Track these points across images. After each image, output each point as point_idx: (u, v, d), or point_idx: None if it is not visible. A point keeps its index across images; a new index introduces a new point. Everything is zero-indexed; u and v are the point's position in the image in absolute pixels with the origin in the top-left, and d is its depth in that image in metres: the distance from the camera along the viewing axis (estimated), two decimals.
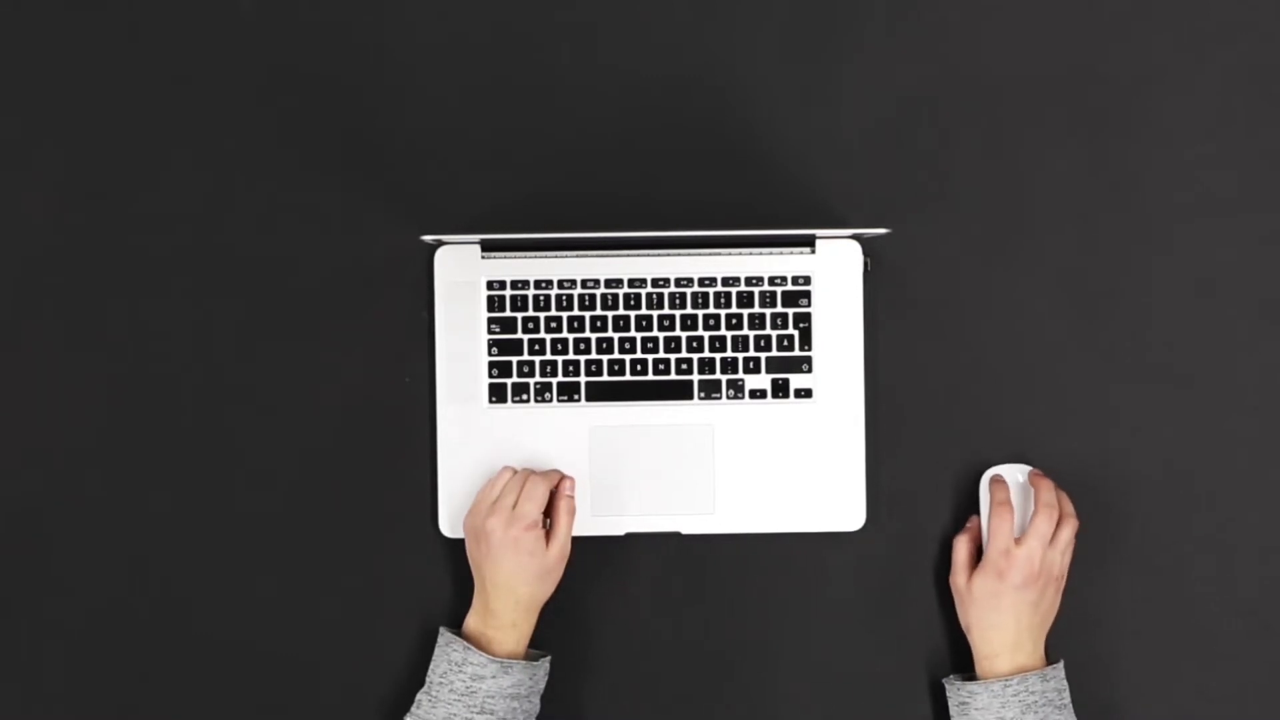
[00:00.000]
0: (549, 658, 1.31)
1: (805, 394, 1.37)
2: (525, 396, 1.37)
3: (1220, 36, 1.40)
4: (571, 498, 1.32)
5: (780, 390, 1.37)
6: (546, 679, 1.31)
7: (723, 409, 1.37)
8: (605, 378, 1.37)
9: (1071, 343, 1.39)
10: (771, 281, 1.37)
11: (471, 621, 1.29)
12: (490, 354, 1.37)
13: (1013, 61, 1.40)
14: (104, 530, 1.38)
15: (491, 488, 1.30)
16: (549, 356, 1.37)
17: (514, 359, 1.37)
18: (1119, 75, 1.40)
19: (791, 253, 1.36)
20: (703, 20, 1.40)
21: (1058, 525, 1.30)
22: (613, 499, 1.37)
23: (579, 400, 1.37)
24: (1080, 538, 1.36)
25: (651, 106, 1.40)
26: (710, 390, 1.37)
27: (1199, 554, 1.38)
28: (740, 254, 1.36)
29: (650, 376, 1.37)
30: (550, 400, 1.37)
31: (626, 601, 1.38)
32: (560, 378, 1.37)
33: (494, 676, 1.25)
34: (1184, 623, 1.38)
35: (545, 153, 1.39)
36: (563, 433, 1.37)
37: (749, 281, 1.37)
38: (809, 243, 1.35)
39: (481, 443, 1.36)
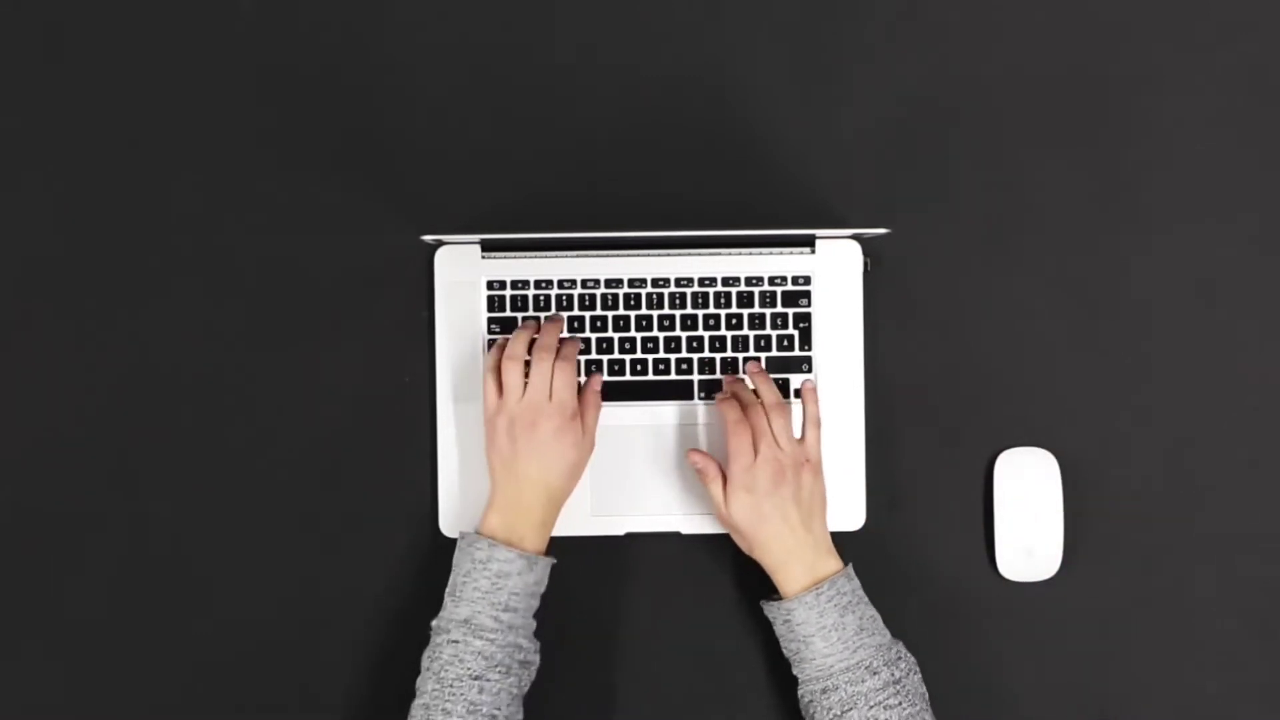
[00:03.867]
0: (552, 549, 1.30)
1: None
2: None
3: (1220, 36, 1.40)
4: (598, 392, 1.32)
5: (780, 390, 1.37)
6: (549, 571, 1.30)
7: None
8: (605, 377, 1.37)
9: (1071, 342, 1.39)
10: (771, 281, 1.37)
11: (494, 521, 1.27)
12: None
13: (1013, 61, 1.40)
14: (104, 530, 1.38)
15: (511, 371, 1.28)
16: None
17: None
18: (1119, 75, 1.40)
19: (791, 253, 1.36)
20: (703, 20, 1.40)
21: (804, 418, 1.31)
22: (613, 499, 1.37)
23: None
24: (1080, 537, 1.36)
25: (652, 106, 1.40)
26: (710, 390, 1.37)
27: (1199, 553, 1.38)
28: (740, 254, 1.36)
29: (650, 376, 1.37)
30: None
31: (626, 601, 1.38)
32: None
33: (519, 574, 1.24)
34: (1184, 623, 1.38)
35: (545, 153, 1.40)
36: None
37: (749, 281, 1.37)
38: (809, 243, 1.35)
39: (482, 442, 1.36)
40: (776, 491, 1.26)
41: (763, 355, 1.37)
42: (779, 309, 1.37)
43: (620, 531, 1.37)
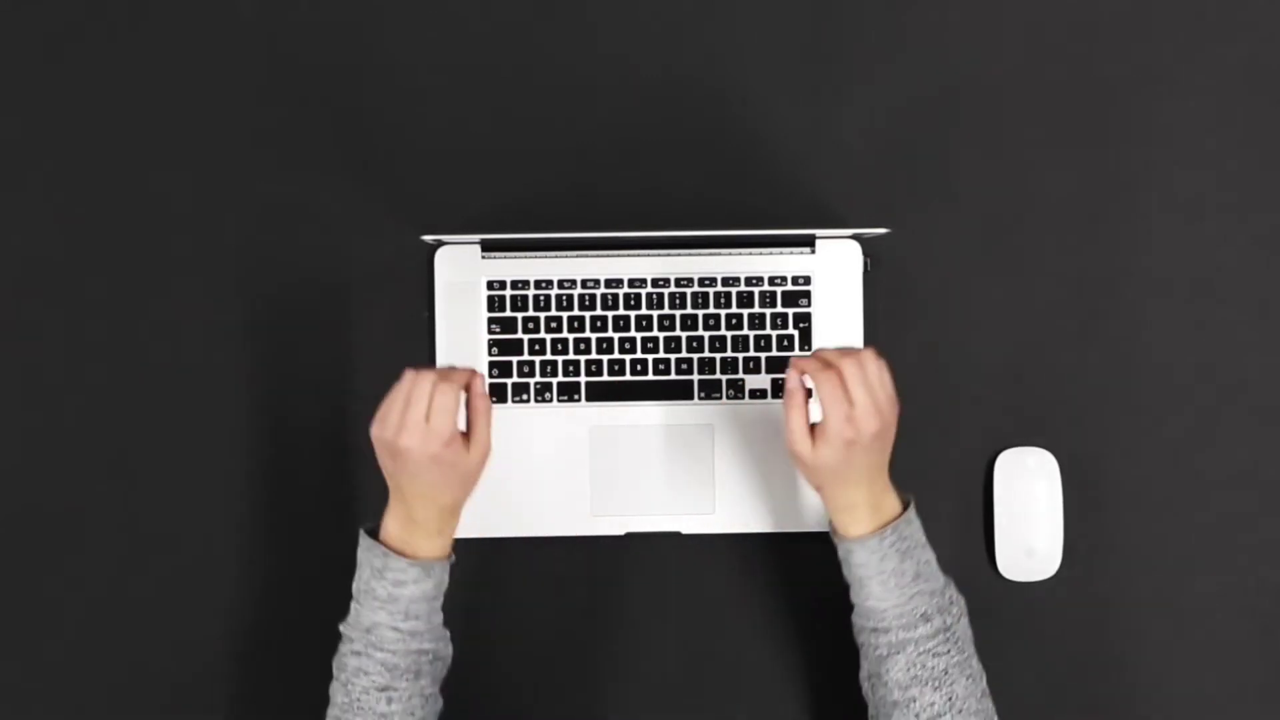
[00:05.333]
0: (453, 545, 1.25)
1: (805, 394, 1.37)
2: (525, 396, 1.37)
3: (1220, 36, 1.40)
4: (485, 395, 1.23)
5: (780, 390, 1.37)
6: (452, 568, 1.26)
7: (723, 409, 1.37)
8: (605, 378, 1.37)
9: (1071, 342, 1.39)
10: (771, 281, 1.37)
11: (392, 527, 1.22)
12: (490, 354, 1.37)
13: (1013, 61, 1.40)
14: (105, 529, 1.38)
15: (396, 396, 1.20)
16: (549, 356, 1.37)
17: (514, 359, 1.37)
18: (1119, 75, 1.40)
19: (791, 253, 1.36)
20: (703, 20, 1.40)
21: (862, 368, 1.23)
22: (613, 499, 1.37)
23: (579, 400, 1.37)
24: (1080, 536, 1.36)
25: (652, 106, 1.40)
26: (710, 390, 1.37)
27: (1199, 554, 1.38)
28: (740, 254, 1.36)
29: (650, 376, 1.37)
30: (550, 400, 1.37)
31: (626, 601, 1.38)
32: (560, 378, 1.37)
33: (415, 582, 1.21)
34: (1184, 623, 1.38)
35: (545, 153, 1.40)
36: (563, 433, 1.37)
37: (749, 281, 1.37)
38: (809, 243, 1.35)
39: None
40: (875, 442, 1.21)
41: (763, 355, 1.37)
42: (779, 309, 1.37)
43: (620, 531, 1.37)
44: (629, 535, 1.37)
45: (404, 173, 1.39)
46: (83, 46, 1.40)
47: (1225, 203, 1.39)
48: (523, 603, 1.38)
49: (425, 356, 1.37)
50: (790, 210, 1.39)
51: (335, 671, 1.23)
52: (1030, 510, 1.37)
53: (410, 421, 1.18)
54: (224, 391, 1.38)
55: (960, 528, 1.38)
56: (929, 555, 1.23)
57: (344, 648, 1.23)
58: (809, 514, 1.37)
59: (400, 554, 1.22)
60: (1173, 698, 1.38)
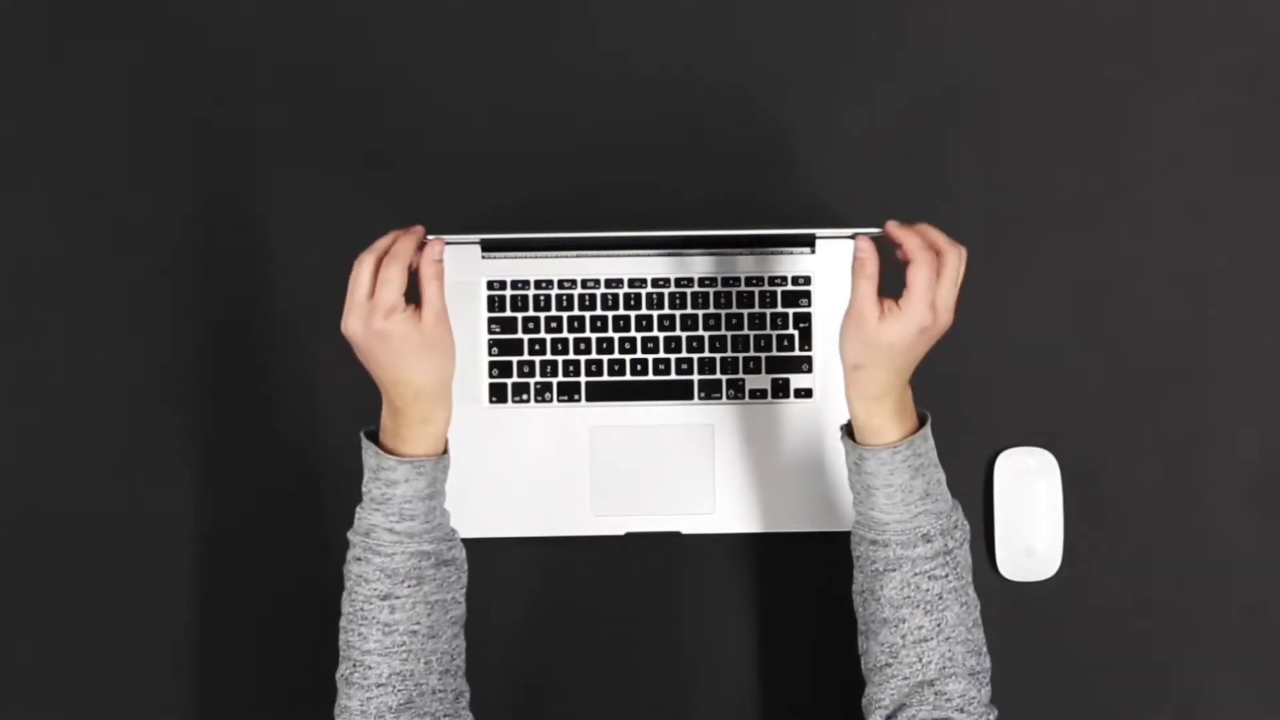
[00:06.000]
0: (448, 443, 1.22)
1: (805, 394, 1.37)
2: (525, 396, 1.37)
3: (1219, 36, 1.40)
4: (438, 262, 1.19)
5: (780, 390, 1.37)
6: (450, 465, 1.24)
7: (723, 409, 1.37)
8: (605, 378, 1.37)
9: (1071, 342, 1.39)
10: (771, 281, 1.37)
11: (384, 424, 1.20)
12: (490, 354, 1.37)
13: (1013, 61, 1.40)
14: (105, 529, 1.38)
15: (350, 286, 1.18)
16: (549, 356, 1.37)
17: (514, 359, 1.37)
18: (1119, 75, 1.40)
19: (792, 252, 1.36)
20: (703, 21, 1.40)
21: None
22: (613, 499, 1.36)
23: (579, 400, 1.37)
24: (1080, 537, 1.36)
25: (652, 106, 1.40)
26: (710, 390, 1.37)
27: (1199, 553, 1.38)
28: (740, 254, 1.36)
29: (650, 376, 1.37)
30: (550, 400, 1.37)
31: (626, 601, 1.38)
32: (560, 378, 1.37)
33: (407, 480, 1.18)
34: (1184, 623, 1.38)
35: (545, 152, 1.40)
36: (563, 433, 1.37)
37: (749, 281, 1.37)
38: (809, 242, 1.35)
39: (482, 442, 1.36)
40: (936, 339, 1.18)
41: (763, 355, 1.37)
42: (779, 309, 1.37)
43: (620, 531, 1.37)
44: (629, 535, 1.37)
45: (404, 173, 1.39)
46: (83, 46, 1.40)
47: (1225, 202, 1.39)
48: (523, 603, 1.38)
49: None
50: (790, 210, 1.39)
51: (345, 578, 1.21)
52: (1030, 510, 1.37)
53: (354, 303, 1.17)
54: (223, 391, 1.38)
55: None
56: (940, 475, 1.21)
57: (349, 555, 1.20)
58: (809, 514, 1.37)
59: (393, 452, 1.19)
60: (1173, 698, 1.38)
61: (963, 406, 1.38)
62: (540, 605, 1.38)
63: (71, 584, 1.38)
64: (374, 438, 1.21)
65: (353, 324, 1.17)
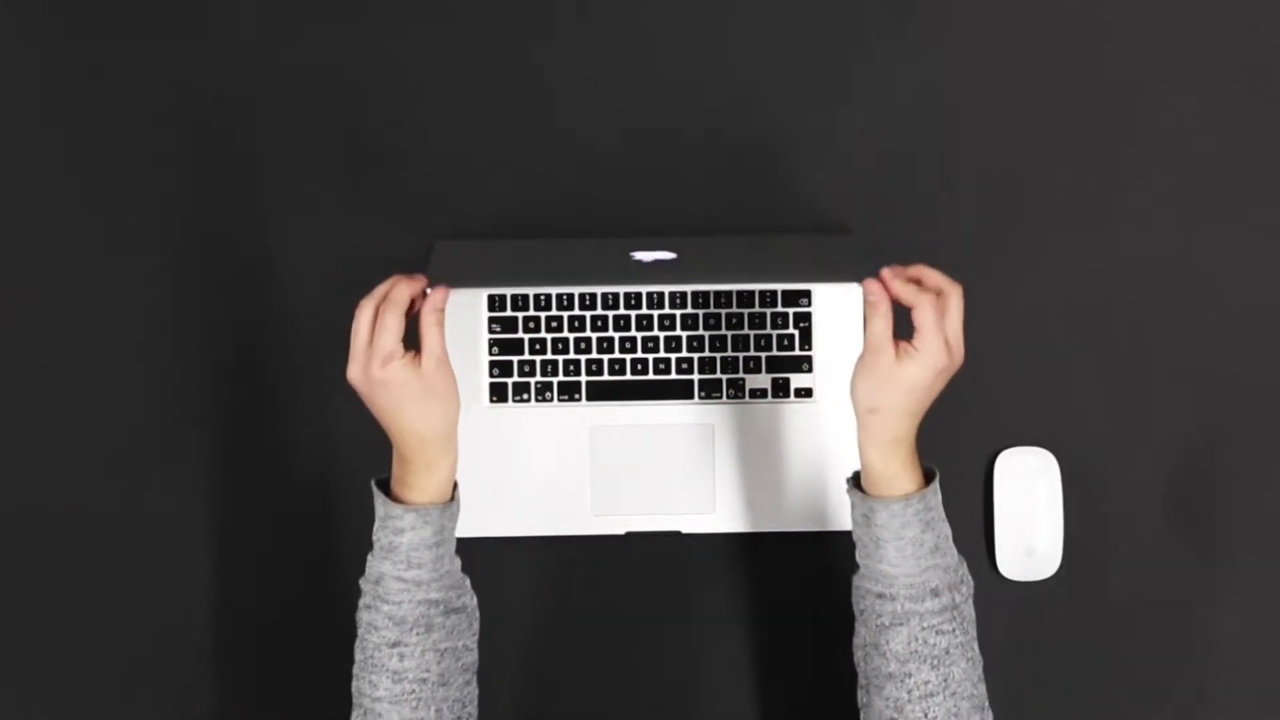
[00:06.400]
0: (458, 489, 1.23)
1: (805, 394, 1.37)
2: (526, 396, 1.37)
3: (1219, 36, 1.40)
4: (439, 310, 1.19)
5: (780, 390, 1.37)
6: (459, 513, 1.23)
7: (723, 409, 1.37)
8: (606, 377, 1.37)
9: (1071, 342, 1.39)
10: None
11: (394, 468, 1.21)
12: (491, 354, 1.37)
13: (1013, 62, 1.40)
14: (105, 529, 1.38)
15: (353, 332, 1.19)
16: (549, 356, 1.37)
17: (514, 359, 1.37)
18: (1119, 75, 1.40)
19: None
20: (703, 22, 1.40)
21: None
22: (613, 499, 1.36)
23: (579, 400, 1.37)
24: (1080, 537, 1.36)
25: (651, 109, 1.40)
26: (710, 390, 1.37)
27: (1199, 553, 1.38)
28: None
29: (650, 376, 1.37)
30: (551, 400, 1.37)
31: (626, 601, 1.38)
32: (561, 377, 1.37)
33: (413, 529, 1.18)
34: (1184, 622, 1.38)
35: (545, 153, 1.40)
36: (563, 432, 1.37)
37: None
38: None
39: (482, 442, 1.36)
40: (956, 365, 1.18)
41: (763, 355, 1.37)
42: (779, 309, 1.37)
43: (620, 531, 1.37)
44: (629, 535, 1.37)
45: (404, 173, 1.39)
46: (84, 46, 1.40)
47: (1225, 202, 1.39)
48: (523, 603, 1.38)
49: None
50: (790, 211, 1.39)
51: (356, 628, 1.21)
52: (1030, 510, 1.37)
53: (354, 350, 1.18)
54: (223, 391, 1.38)
55: (960, 528, 1.37)
56: (947, 530, 1.21)
57: (359, 602, 1.21)
58: (809, 514, 1.37)
59: (400, 500, 1.19)
60: (1173, 698, 1.38)
61: (963, 406, 1.38)
62: (540, 605, 1.38)
63: (71, 584, 1.38)
64: (386, 485, 1.22)
65: (353, 371, 1.18)
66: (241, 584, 1.38)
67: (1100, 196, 1.39)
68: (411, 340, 1.18)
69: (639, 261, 1.27)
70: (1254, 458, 1.38)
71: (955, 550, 1.21)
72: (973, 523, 1.39)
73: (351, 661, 1.21)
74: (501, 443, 1.36)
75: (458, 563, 1.22)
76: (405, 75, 1.40)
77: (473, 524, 1.33)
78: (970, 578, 1.22)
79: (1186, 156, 1.39)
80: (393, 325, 1.17)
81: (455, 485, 1.22)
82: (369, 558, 1.21)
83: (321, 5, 1.40)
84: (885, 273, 1.18)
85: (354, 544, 1.36)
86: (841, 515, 1.36)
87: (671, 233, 1.37)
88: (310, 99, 1.40)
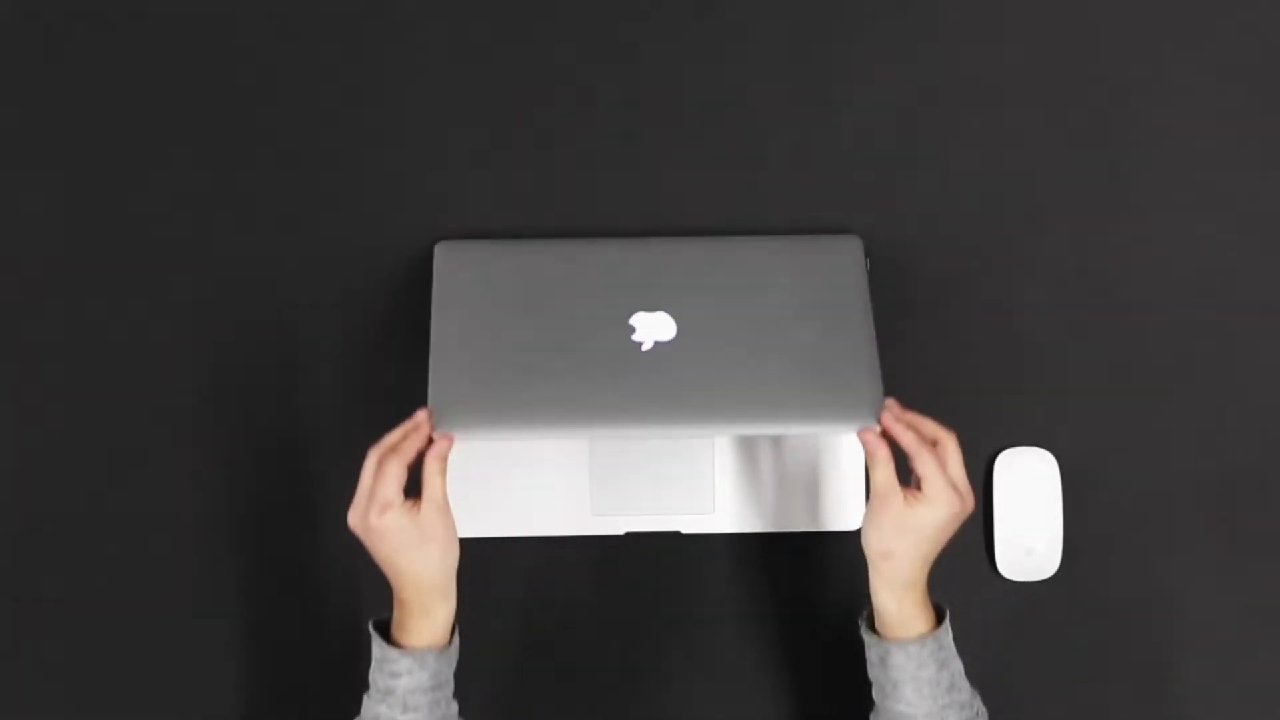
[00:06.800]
0: (457, 633, 1.23)
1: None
2: None
3: (1219, 36, 1.40)
4: (442, 459, 1.21)
5: None
6: (458, 655, 1.24)
7: None
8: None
9: (1071, 342, 1.39)
10: None
11: (394, 611, 1.22)
12: None
13: (1013, 62, 1.40)
14: (104, 529, 1.38)
15: (361, 479, 1.21)
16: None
17: None
18: (1119, 75, 1.40)
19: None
20: (702, 21, 1.40)
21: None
22: (613, 499, 1.36)
23: None
24: (1080, 537, 1.37)
25: (651, 107, 1.40)
26: None
27: (1198, 554, 1.38)
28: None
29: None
30: None
31: (626, 601, 1.38)
32: None
33: (410, 673, 1.19)
34: (1184, 622, 1.38)
35: (546, 154, 1.40)
36: None
37: None
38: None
39: (473, 445, 1.35)
40: (969, 508, 1.21)
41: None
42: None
43: (620, 531, 1.37)
44: (629, 535, 1.37)
45: (404, 173, 1.39)
46: (83, 46, 1.40)
47: (1225, 203, 1.39)
48: (523, 603, 1.38)
49: (425, 358, 1.36)
50: (789, 210, 1.39)
51: None
52: (1030, 510, 1.37)
53: (357, 497, 1.20)
54: (222, 392, 1.38)
55: (960, 528, 1.37)
56: (960, 665, 1.23)
57: None
58: (809, 514, 1.37)
59: (398, 644, 1.21)
60: (1173, 698, 1.38)
61: (963, 406, 1.38)
62: (539, 605, 1.38)
63: (71, 584, 1.37)
64: (384, 627, 1.23)
65: (353, 518, 1.20)
66: (240, 588, 1.38)
67: (1100, 196, 1.39)
68: (413, 487, 1.20)
69: (640, 348, 1.26)
70: (1254, 457, 1.38)
71: (969, 684, 1.23)
72: (973, 523, 1.38)
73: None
74: (501, 442, 1.36)
75: (454, 706, 1.23)
76: (405, 75, 1.40)
77: (473, 524, 1.32)
78: (984, 709, 1.23)
79: (1186, 156, 1.39)
80: (394, 474, 1.19)
81: (454, 630, 1.23)
82: (365, 698, 1.22)
83: (322, 5, 1.40)
84: (884, 419, 1.22)
85: (347, 546, 1.36)
86: (841, 516, 1.36)
87: (672, 233, 1.37)
88: (308, 99, 1.40)
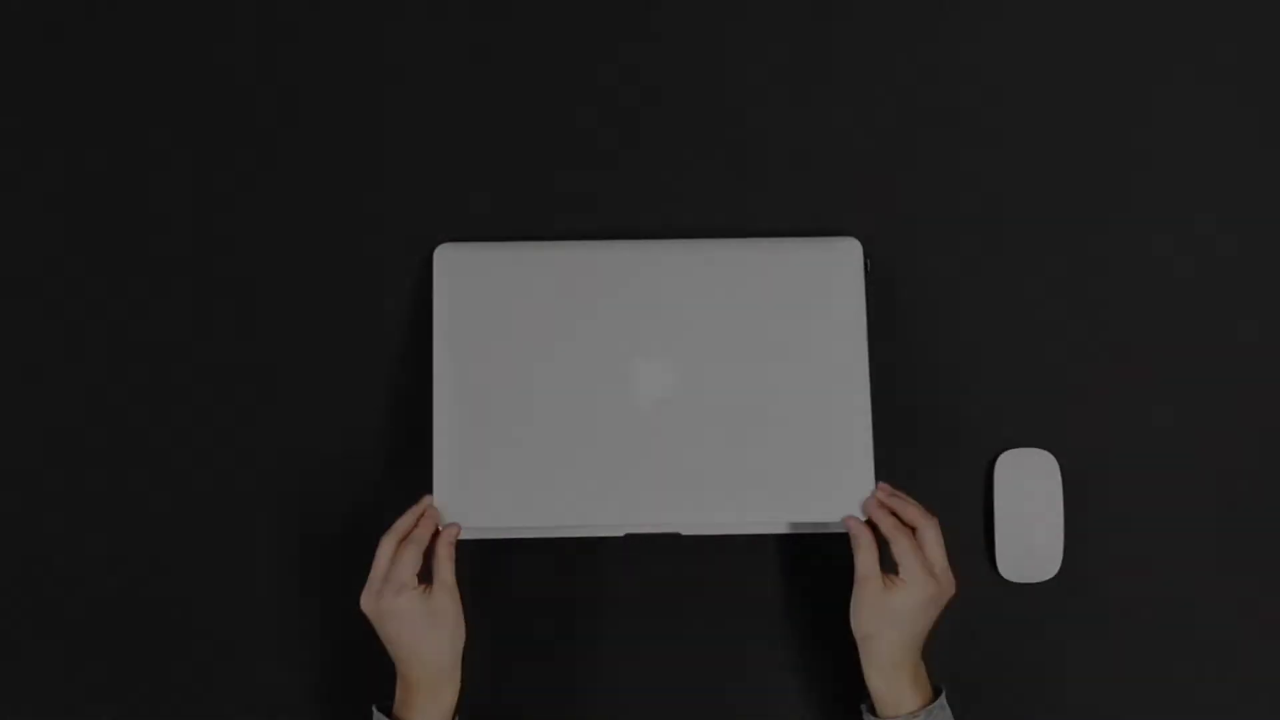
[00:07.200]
0: (458, 718, 1.26)
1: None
2: None
3: (1219, 37, 1.40)
4: (451, 545, 1.26)
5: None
6: None
7: None
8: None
9: (1072, 342, 1.39)
10: None
11: (399, 692, 1.25)
12: None
13: (1013, 62, 1.40)
14: (104, 530, 1.38)
15: (374, 564, 1.25)
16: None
17: None
18: (1119, 76, 1.40)
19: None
20: (702, 21, 1.40)
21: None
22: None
23: None
24: (1080, 537, 1.36)
25: (652, 107, 1.40)
26: None
27: (1198, 554, 1.38)
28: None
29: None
30: None
31: (626, 601, 1.38)
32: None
33: None
34: (1184, 622, 1.38)
35: (545, 153, 1.40)
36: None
37: None
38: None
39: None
40: (947, 593, 1.25)
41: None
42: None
43: (620, 532, 1.36)
44: (629, 535, 1.37)
45: (404, 173, 1.39)
46: (83, 46, 1.40)
47: (1225, 202, 1.39)
48: (523, 603, 1.38)
49: (425, 358, 1.36)
50: (789, 211, 1.39)
51: None
52: (1030, 510, 1.37)
53: (371, 581, 1.24)
54: (222, 392, 1.38)
55: (960, 528, 1.37)
56: None
57: None
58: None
59: None
60: (1173, 697, 1.38)
61: (963, 406, 1.38)
62: (539, 605, 1.38)
63: (71, 584, 1.38)
64: (388, 710, 1.25)
65: (367, 600, 1.24)
66: (240, 590, 1.38)
67: (1100, 196, 1.39)
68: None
69: (638, 409, 1.32)
70: (1254, 457, 1.38)
71: None
72: (973, 523, 1.39)
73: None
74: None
75: None
76: (405, 75, 1.40)
77: (473, 524, 1.32)
78: None
79: (1186, 156, 1.39)
80: (410, 559, 1.23)
81: (456, 714, 1.25)
82: None
83: (321, 5, 1.40)
84: (867, 505, 1.28)
85: (348, 545, 1.36)
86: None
87: (671, 233, 1.37)
88: (308, 100, 1.40)
